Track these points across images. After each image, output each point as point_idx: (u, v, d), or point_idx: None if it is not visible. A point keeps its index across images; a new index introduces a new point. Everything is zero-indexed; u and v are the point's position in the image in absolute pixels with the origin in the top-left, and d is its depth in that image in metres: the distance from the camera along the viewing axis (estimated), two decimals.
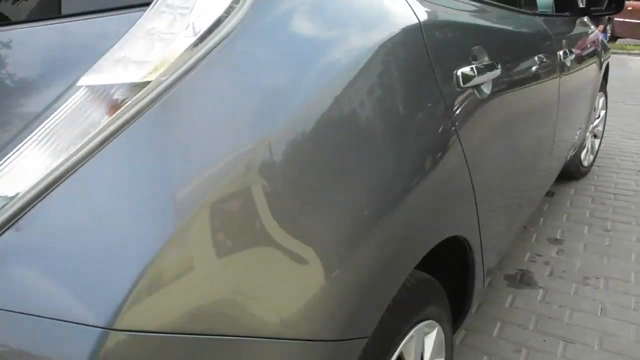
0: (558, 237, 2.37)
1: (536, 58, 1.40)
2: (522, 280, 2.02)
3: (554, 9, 2.32)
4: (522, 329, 1.73)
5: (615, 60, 9.25)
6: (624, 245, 2.26)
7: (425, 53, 0.82)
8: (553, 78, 1.57)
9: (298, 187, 0.59)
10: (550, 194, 2.85)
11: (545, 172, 1.75)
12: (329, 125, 0.62)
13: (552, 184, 2.92)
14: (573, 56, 1.83)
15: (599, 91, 2.89)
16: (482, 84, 1.02)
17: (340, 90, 0.65)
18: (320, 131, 0.61)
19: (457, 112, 0.91)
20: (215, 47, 0.56)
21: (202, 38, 0.55)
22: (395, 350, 0.85)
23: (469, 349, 1.63)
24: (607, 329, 1.71)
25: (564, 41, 1.76)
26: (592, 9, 2.25)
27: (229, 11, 0.57)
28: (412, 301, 0.91)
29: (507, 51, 1.19)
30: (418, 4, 0.87)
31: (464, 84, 0.92)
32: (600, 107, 3.00)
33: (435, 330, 1.03)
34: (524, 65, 1.29)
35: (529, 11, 1.54)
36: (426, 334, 1.01)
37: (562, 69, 1.68)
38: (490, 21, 1.15)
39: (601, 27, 10.81)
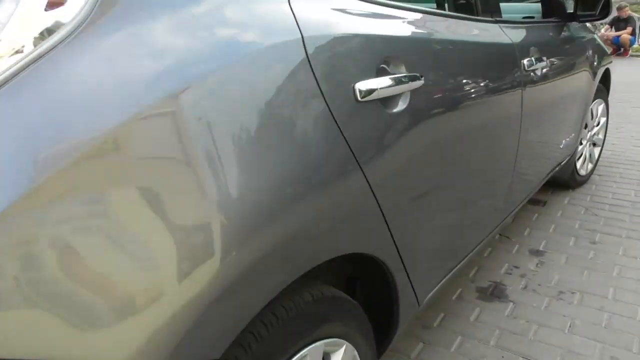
0: (541, 248, 2.29)
1: (483, 68, 1.35)
2: (494, 293, 1.97)
3: (542, 15, 2.26)
4: (482, 343, 1.68)
5: None
6: (608, 259, 2.18)
7: (307, 67, 0.81)
8: (512, 89, 1.52)
9: (124, 196, 0.59)
10: (541, 203, 2.77)
11: (506, 188, 1.70)
12: (155, 136, 0.62)
13: (546, 193, 2.85)
14: (545, 64, 1.76)
15: (598, 98, 2.79)
16: (393, 97, 0.99)
17: (186, 100, 0.65)
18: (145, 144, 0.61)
19: (353, 126, 0.89)
20: (37, 59, 0.56)
21: (19, 50, 0.56)
22: None
23: None
24: (572, 346, 1.65)
25: (532, 49, 1.70)
26: (579, 14, 2.17)
27: (56, 25, 0.58)
28: (305, 319, 0.89)
29: (437, 61, 1.15)
30: (308, 13, 0.85)
31: (362, 97, 0.90)
32: (599, 114, 2.90)
33: (343, 348, 1.00)
34: (463, 76, 1.24)
35: (484, 18, 1.49)
36: (331, 352, 1.00)
37: (527, 79, 1.63)
38: (415, 30, 1.11)
39: (629, 29, 10.45)
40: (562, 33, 2.14)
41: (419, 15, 1.17)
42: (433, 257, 1.32)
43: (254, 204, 0.70)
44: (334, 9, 0.93)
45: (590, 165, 3.00)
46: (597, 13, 2.21)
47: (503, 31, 1.56)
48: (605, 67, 2.72)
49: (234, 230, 0.68)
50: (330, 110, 0.84)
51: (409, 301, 1.22)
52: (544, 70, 1.77)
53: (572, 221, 2.55)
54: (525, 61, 1.61)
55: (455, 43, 1.25)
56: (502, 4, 1.68)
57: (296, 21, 0.82)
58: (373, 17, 1.01)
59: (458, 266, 1.56)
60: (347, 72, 0.89)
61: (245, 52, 0.73)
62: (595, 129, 2.93)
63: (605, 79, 2.87)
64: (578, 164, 2.82)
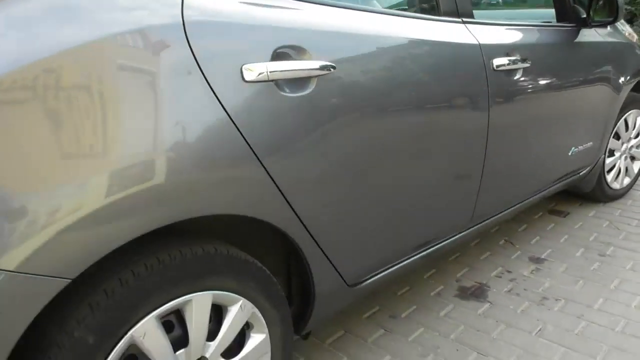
0: (543, 256, 2.23)
1: (422, 65, 1.38)
2: (475, 293, 1.96)
3: (556, 20, 2.22)
4: (442, 336, 1.71)
5: None
6: (611, 271, 2.07)
7: (186, 49, 0.95)
8: (470, 88, 1.54)
9: None
10: (564, 214, 2.67)
11: (470, 194, 1.70)
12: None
13: (573, 204, 2.73)
14: (528, 66, 1.75)
15: (635, 108, 2.65)
16: (294, 80, 1.10)
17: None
18: None
19: (239, 102, 1.02)
20: None
21: None
22: (156, 305, 0.98)
23: (377, 347, 1.66)
24: (533, 348, 1.62)
25: (511, 50, 1.70)
26: (591, 19, 2.11)
27: None
28: (189, 268, 1.02)
29: (360, 55, 1.23)
30: (202, 2, 1.00)
31: (249, 78, 1.02)
32: (638, 125, 2.73)
33: (239, 303, 1.12)
34: (390, 70, 1.29)
35: (446, 19, 1.53)
36: (228, 304, 1.12)
37: (497, 79, 1.63)
38: (333, 23, 1.20)
39: None
40: (572, 38, 2.09)
41: (346, 11, 1.27)
42: (367, 242, 1.39)
43: (123, 152, 0.87)
44: (239, 1, 1.07)
45: (627, 180, 2.83)
46: (608, 17, 2.15)
47: (469, 31, 1.59)
48: None
49: (102, 174, 0.85)
50: (211, 87, 0.98)
51: (328, 278, 1.31)
52: (528, 72, 1.76)
53: (588, 233, 2.43)
54: (495, 60, 1.62)
55: (388, 39, 1.33)
56: (523, 10, 1.69)
57: (182, 7, 0.97)
58: (280, 9, 1.13)
59: (413, 259, 1.60)
60: (234, 55, 1.02)
61: (119, 31, 0.89)
62: (634, 141, 2.76)
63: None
64: (608, 177, 2.68)
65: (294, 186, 1.15)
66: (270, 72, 1.05)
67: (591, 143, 2.34)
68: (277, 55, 1.09)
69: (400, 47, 1.36)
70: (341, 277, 1.35)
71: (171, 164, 0.93)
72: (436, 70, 1.45)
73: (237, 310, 1.13)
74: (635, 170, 2.86)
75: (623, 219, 2.58)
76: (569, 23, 2.15)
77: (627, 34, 2.65)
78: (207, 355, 1.10)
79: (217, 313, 1.14)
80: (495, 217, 1.94)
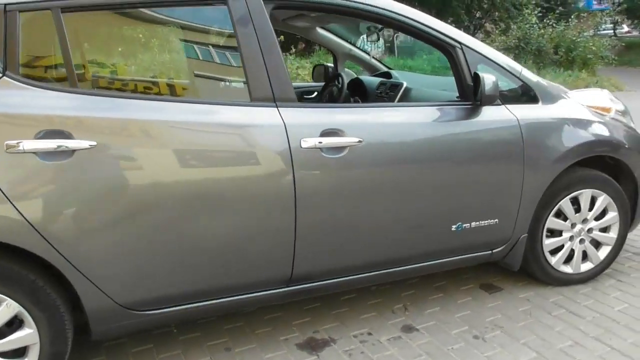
0: (418, 327, 2.25)
1: (205, 143, 1.75)
2: (315, 345, 2.13)
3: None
4: None
5: None
6: (463, 354, 2.04)
7: None
8: (266, 168, 1.82)
9: None
10: (495, 289, 2.56)
11: (284, 256, 1.94)
12: None
13: (515, 282, 2.61)
14: (363, 148, 1.91)
15: (592, 188, 2.44)
16: (51, 152, 1.57)
17: None
18: None
19: (4, 169, 1.54)
20: None
21: None
22: None
23: None
24: None
25: (331, 133, 1.88)
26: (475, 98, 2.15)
27: None
28: None
29: (123, 136, 1.67)
30: None
31: (9, 151, 1.52)
32: (596, 208, 2.48)
33: (5, 302, 1.60)
34: (153, 147, 1.71)
35: (256, 103, 1.83)
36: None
37: (305, 162, 1.85)
38: (96, 109, 1.66)
39: None
40: (454, 116, 2.16)
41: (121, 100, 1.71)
42: (141, 277, 1.76)
43: None
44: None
45: (588, 265, 2.57)
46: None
47: (280, 114, 1.86)
48: (596, 154, 2.41)
49: None
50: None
51: (94, 296, 1.71)
52: (360, 149, 1.92)
53: (492, 314, 2.34)
54: (304, 140, 1.85)
55: (157, 122, 1.72)
56: None
57: None
58: (54, 100, 1.62)
59: (218, 301, 1.90)
60: (1, 135, 1.54)
61: None
62: (594, 223, 2.52)
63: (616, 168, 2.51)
64: (553, 259, 2.50)
65: (50, 224, 1.60)
66: (26, 147, 1.54)
67: (496, 220, 2.28)
68: (45, 135, 1.58)
69: (166, 127, 1.75)
70: (111, 298, 1.74)
71: None
72: (220, 146, 1.80)
73: (3, 307, 1.62)
74: (601, 257, 2.59)
75: (551, 306, 2.40)
76: (466, 101, 2.21)
77: (589, 106, 2.50)
78: None
79: None
80: (335, 280, 2.09)
